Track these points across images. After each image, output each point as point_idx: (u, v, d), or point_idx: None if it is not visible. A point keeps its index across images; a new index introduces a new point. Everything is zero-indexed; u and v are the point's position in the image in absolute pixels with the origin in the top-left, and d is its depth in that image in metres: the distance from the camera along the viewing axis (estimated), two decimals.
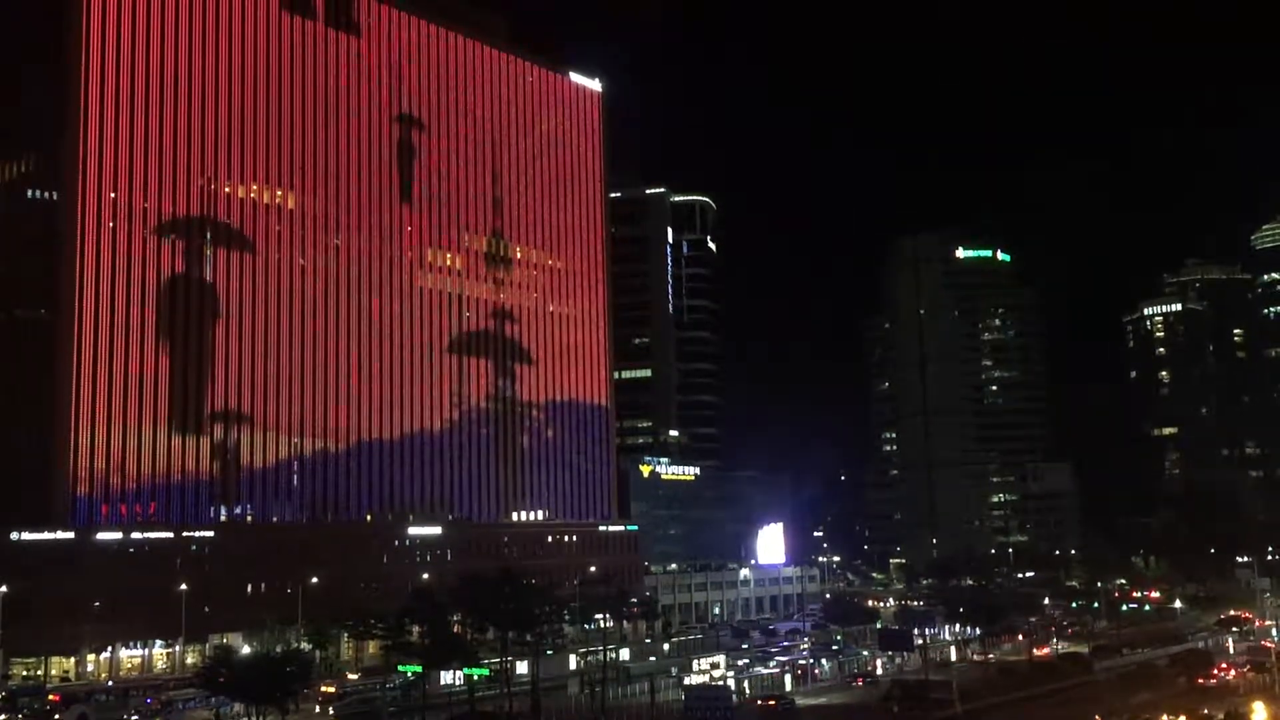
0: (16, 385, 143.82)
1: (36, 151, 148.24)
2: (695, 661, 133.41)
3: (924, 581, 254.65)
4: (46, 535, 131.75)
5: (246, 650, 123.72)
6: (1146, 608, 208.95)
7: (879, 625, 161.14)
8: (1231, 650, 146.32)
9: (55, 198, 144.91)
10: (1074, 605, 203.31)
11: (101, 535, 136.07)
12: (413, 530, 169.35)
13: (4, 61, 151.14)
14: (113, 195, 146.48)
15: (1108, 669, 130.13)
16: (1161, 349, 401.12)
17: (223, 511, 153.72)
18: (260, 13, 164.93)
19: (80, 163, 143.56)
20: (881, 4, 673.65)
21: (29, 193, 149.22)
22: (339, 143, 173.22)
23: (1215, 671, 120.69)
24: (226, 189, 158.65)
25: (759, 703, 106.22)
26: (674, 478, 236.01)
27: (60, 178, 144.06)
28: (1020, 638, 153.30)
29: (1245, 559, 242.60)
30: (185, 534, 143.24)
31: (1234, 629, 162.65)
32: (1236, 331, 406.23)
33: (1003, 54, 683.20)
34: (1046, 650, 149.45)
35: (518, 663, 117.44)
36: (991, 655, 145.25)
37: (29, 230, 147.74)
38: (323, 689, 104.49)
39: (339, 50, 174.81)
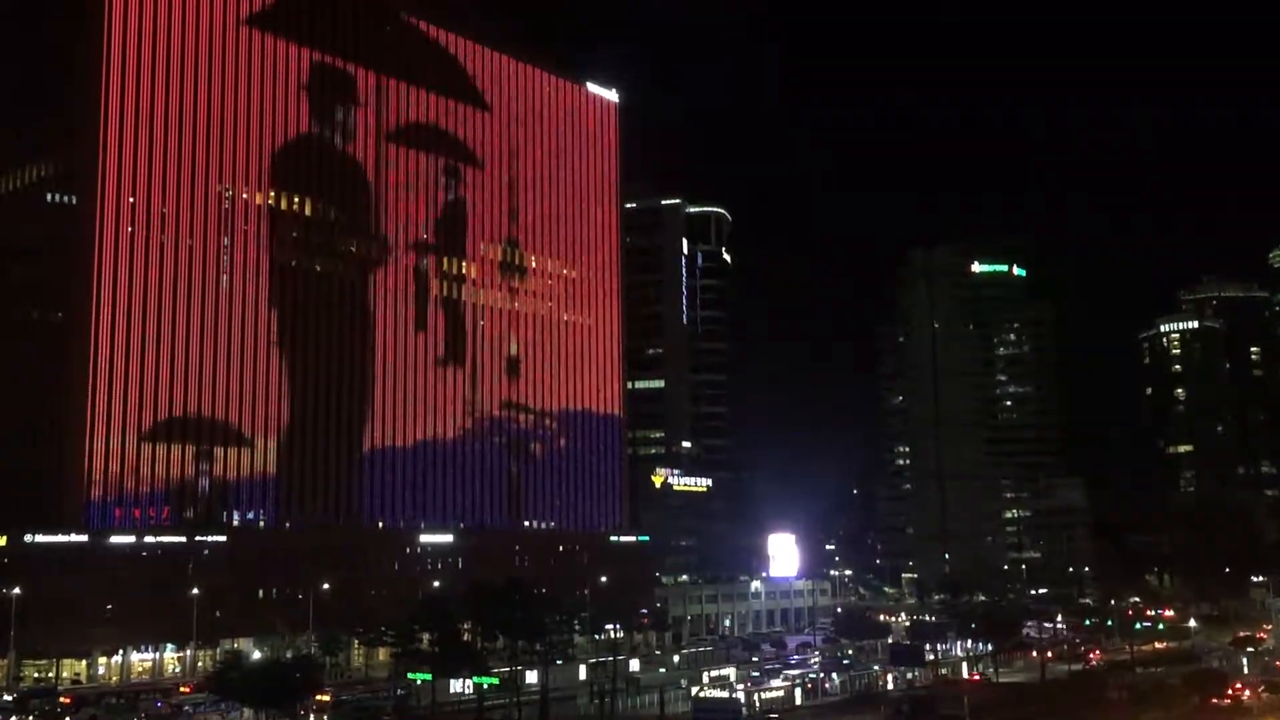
0: (32, 388, 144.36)
1: (56, 156, 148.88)
2: (705, 673, 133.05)
3: (936, 596, 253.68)
4: (60, 538, 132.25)
5: (257, 655, 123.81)
6: (1160, 626, 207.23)
7: (890, 640, 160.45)
8: (1246, 670, 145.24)
9: (74, 202, 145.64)
10: (1087, 623, 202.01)
11: (114, 539, 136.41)
12: (424, 538, 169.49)
13: (24, 66, 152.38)
14: (131, 200, 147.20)
15: (1120, 687, 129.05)
16: (1177, 366, 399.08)
17: (235, 516, 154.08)
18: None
19: (99, 167, 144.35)
20: (900, 16, 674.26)
21: (48, 197, 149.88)
22: (355, 150, 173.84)
23: (1229, 691, 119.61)
24: (244, 195, 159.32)
25: (965, 678, 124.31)
26: (686, 488, 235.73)
27: (79, 182, 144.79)
28: (1033, 654, 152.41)
29: (1260, 578, 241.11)
30: (198, 538, 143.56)
31: (1249, 648, 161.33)
32: (1253, 349, 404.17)
33: (1020, 66, 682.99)
34: (1060, 667, 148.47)
35: (527, 672, 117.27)
36: (1003, 672, 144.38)
37: (47, 234, 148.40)
38: (317, 696, 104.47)
39: (355, 58, 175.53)
